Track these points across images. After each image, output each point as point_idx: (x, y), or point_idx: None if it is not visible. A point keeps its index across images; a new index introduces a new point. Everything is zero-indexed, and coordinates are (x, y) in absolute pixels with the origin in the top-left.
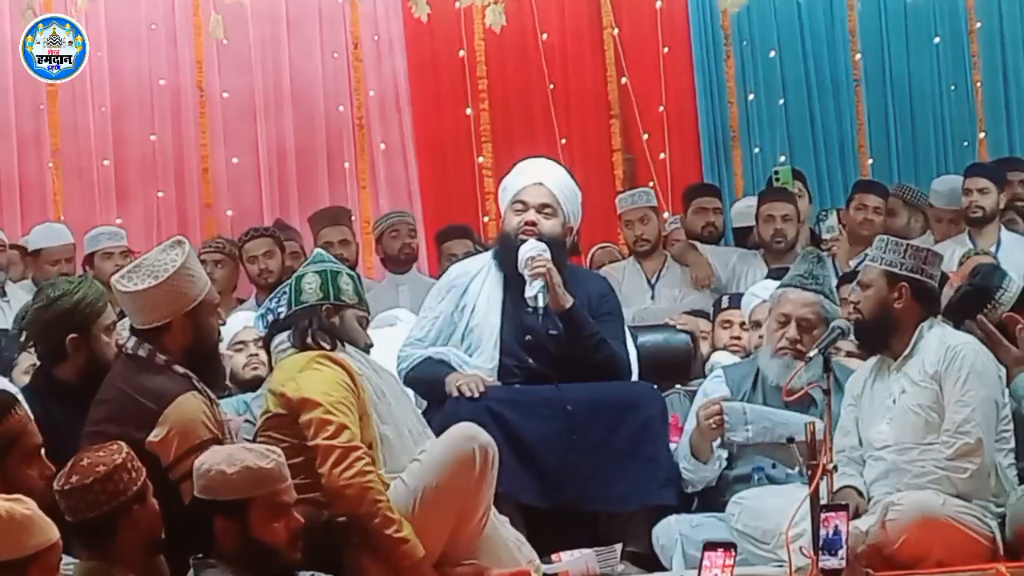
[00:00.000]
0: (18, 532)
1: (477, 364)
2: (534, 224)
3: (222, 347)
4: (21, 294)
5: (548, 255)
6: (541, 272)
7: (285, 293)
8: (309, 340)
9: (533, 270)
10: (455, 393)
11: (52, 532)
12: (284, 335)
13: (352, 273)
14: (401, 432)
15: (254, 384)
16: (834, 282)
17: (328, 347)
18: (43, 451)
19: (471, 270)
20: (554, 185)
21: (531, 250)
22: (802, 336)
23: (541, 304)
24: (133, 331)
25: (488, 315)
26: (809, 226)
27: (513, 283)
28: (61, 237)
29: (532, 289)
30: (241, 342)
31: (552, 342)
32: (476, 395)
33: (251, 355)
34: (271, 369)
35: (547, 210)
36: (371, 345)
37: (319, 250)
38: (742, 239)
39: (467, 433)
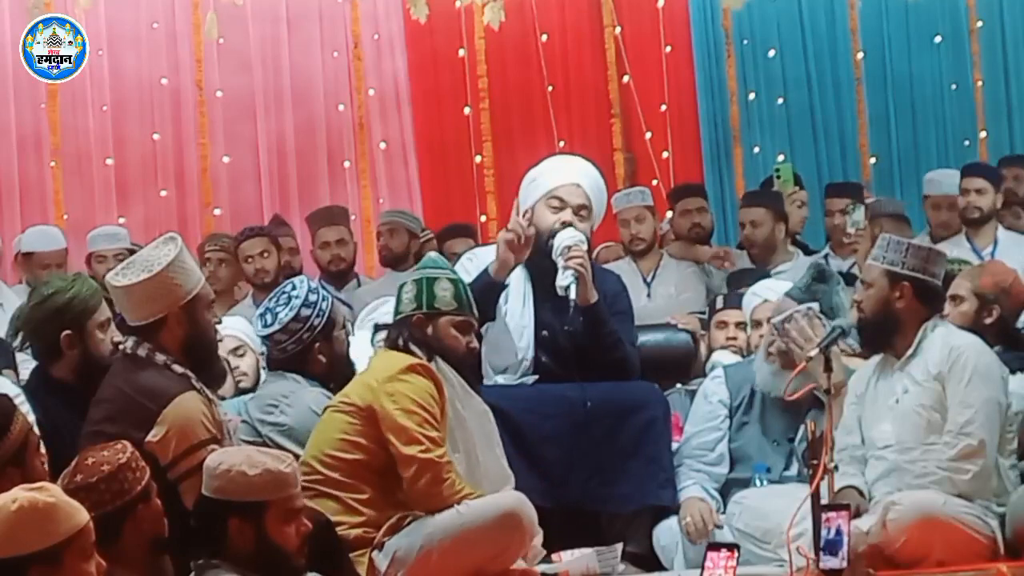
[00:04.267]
0: (44, 521)
1: (507, 362)
2: (571, 226)
3: None
4: None
5: (585, 247)
6: (578, 263)
7: (284, 293)
8: (401, 346)
9: (568, 259)
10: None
11: (80, 515)
12: (384, 332)
13: (455, 277)
14: (471, 464)
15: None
16: (843, 294)
17: (422, 357)
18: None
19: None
20: (591, 188)
21: (569, 239)
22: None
23: (573, 295)
24: (131, 330)
25: (522, 312)
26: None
27: (537, 278)
28: (54, 242)
29: (565, 279)
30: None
31: (566, 338)
32: (522, 235)
33: (233, 368)
34: (257, 378)
35: (583, 212)
36: (477, 349)
37: (431, 254)
38: None
39: (514, 510)
